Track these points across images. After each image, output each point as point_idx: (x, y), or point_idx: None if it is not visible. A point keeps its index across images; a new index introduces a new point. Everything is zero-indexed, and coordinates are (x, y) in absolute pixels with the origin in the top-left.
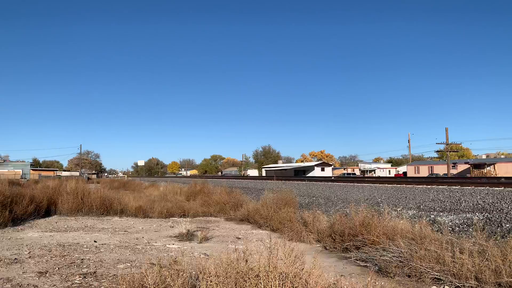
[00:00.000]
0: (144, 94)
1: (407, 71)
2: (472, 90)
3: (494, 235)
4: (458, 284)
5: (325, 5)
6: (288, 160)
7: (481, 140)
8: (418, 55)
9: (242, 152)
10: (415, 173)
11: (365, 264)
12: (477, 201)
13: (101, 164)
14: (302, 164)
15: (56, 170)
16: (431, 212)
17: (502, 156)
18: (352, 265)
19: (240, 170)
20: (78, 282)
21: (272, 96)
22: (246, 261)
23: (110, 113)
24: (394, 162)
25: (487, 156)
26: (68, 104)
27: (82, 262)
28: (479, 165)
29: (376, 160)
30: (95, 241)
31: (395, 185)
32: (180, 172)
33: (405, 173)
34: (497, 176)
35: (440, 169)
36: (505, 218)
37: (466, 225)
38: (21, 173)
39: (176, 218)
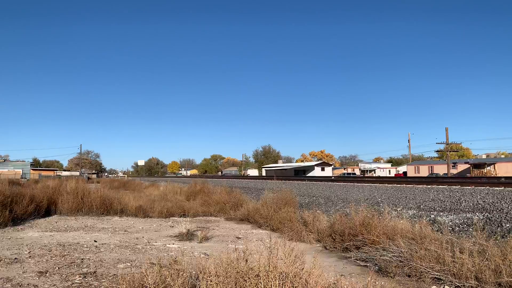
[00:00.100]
0: (144, 94)
1: (407, 71)
2: (472, 90)
3: (494, 235)
4: (458, 284)
5: (325, 5)
6: (288, 160)
7: (481, 140)
8: (418, 55)
9: (242, 152)
10: (415, 173)
11: (365, 264)
12: (477, 201)
13: (101, 164)
14: (302, 164)
15: (56, 170)
16: (431, 212)
17: (502, 156)
18: (352, 265)
19: (240, 170)
20: (78, 281)
21: (272, 96)
22: (246, 260)
23: (110, 113)
24: (394, 162)
25: (487, 156)
26: (68, 104)
27: (82, 261)
28: (479, 165)
29: (376, 160)
30: (95, 241)
31: (395, 185)
32: (180, 172)
33: (405, 173)
34: (497, 176)
35: (440, 169)
36: (505, 218)
37: (466, 225)
38: (21, 173)
39: (176, 218)
